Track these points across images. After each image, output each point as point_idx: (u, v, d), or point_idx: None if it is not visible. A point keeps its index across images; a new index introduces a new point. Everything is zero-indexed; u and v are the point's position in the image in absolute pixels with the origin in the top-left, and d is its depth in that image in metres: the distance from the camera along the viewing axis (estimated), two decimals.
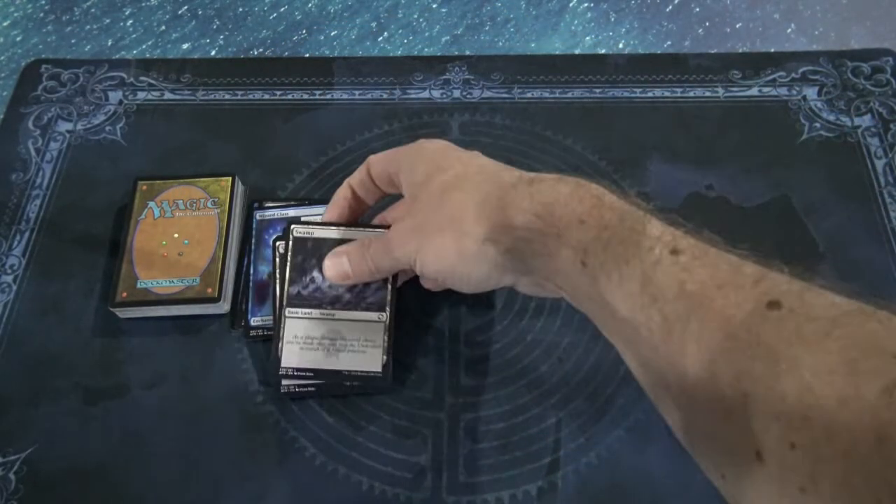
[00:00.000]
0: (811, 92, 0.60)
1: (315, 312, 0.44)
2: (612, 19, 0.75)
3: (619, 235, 0.32)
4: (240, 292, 0.51)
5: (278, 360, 0.44)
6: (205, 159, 0.58)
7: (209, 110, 0.60)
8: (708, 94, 0.60)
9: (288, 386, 0.45)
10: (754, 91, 0.60)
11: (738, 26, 0.75)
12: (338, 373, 0.43)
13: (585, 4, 0.77)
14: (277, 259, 0.45)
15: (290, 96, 0.61)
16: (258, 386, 0.48)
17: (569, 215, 0.34)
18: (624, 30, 0.74)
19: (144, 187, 0.53)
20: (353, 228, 0.45)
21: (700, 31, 0.74)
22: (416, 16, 0.75)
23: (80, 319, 0.50)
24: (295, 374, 0.44)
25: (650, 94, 0.60)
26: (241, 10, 0.77)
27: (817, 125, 0.58)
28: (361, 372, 0.43)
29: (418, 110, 0.60)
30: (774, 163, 0.56)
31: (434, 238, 0.39)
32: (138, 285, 0.49)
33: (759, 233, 0.53)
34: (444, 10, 0.76)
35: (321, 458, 0.45)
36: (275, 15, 0.76)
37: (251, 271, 0.51)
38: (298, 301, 0.44)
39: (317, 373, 0.44)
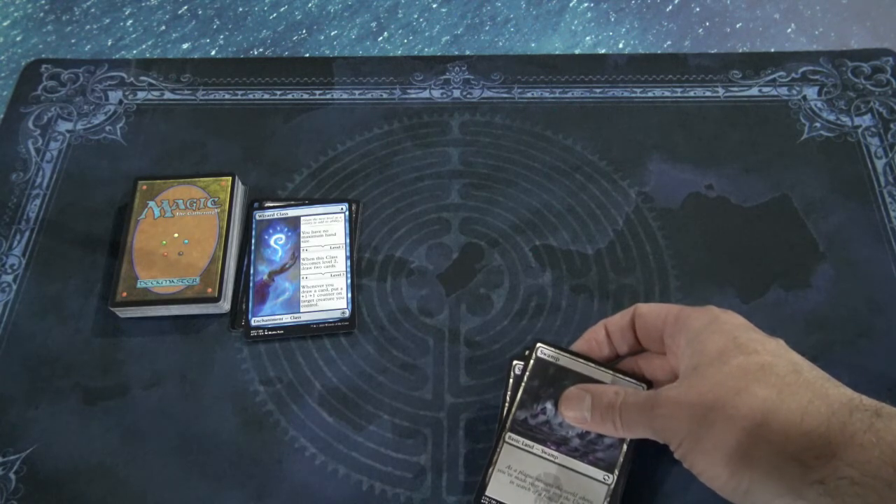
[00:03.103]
0: (811, 92, 0.60)
1: (537, 448, 0.39)
2: (612, 19, 0.75)
3: None
4: (240, 292, 0.51)
5: (484, 486, 0.39)
6: (205, 159, 0.58)
7: (209, 110, 0.60)
8: (708, 94, 0.60)
9: None
10: (754, 91, 0.60)
11: (738, 26, 0.75)
12: None
13: (585, 4, 0.77)
14: (512, 380, 0.41)
15: (290, 96, 0.61)
16: (258, 386, 0.48)
17: None
18: (624, 30, 0.74)
19: (144, 187, 0.53)
20: (605, 369, 0.40)
21: (700, 31, 0.74)
22: (416, 16, 0.75)
23: (80, 319, 0.50)
24: None
25: (650, 94, 0.60)
26: (241, 10, 0.77)
27: (817, 125, 0.58)
28: None
29: (418, 110, 0.60)
30: (774, 163, 0.56)
31: (720, 429, 0.32)
32: (138, 285, 0.49)
33: (759, 233, 0.53)
34: (444, 10, 0.76)
35: (321, 458, 0.45)
36: (275, 15, 0.76)
37: (251, 271, 0.51)
38: (523, 429, 0.40)
39: None
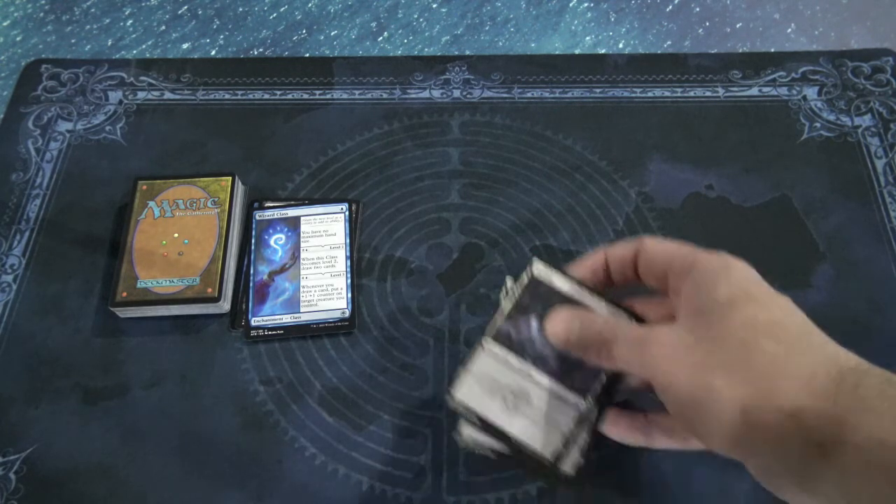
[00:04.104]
0: (811, 92, 0.60)
1: (514, 360, 0.39)
2: (612, 19, 0.75)
3: None
4: (240, 292, 0.51)
5: (454, 387, 0.39)
6: (205, 159, 0.58)
7: (209, 110, 0.60)
8: (708, 94, 0.60)
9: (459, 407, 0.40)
10: (754, 91, 0.60)
11: (738, 26, 0.75)
12: (504, 434, 0.38)
13: (585, 4, 0.77)
14: (505, 291, 0.40)
15: (290, 96, 0.61)
16: (258, 386, 0.48)
17: None
18: (624, 30, 0.74)
19: (144, 187, 0.53)
20: (599, 297, 0.39)
21: (700, 31, 0.74)
22: (416, 16, 0.75)
23: (80, 319, 0.50)
24: (462, 409, 0.39)
25: (650, 94, 0.60)
26: (241, 10, 0.77)
27: (817, 125, 0.58)
28: (529, 448, 0.37)
29: (418, 110, 0.60)
30: (774, 163, 0.56)
31: (718, 379, 0.30)
32: (138, 285, 0.49)
33: (759, 233, 0.53)
34: (444, 10, 0.76)
35: (321, 458, 0.45)
36: (275, 15, 0.76)
37: (251, 271, 0.51)
38: (504, 340, 0.39)
39: (483, 423, 0.38)
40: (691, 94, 0.60)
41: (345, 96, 0.61)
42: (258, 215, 0.54)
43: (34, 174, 0.57)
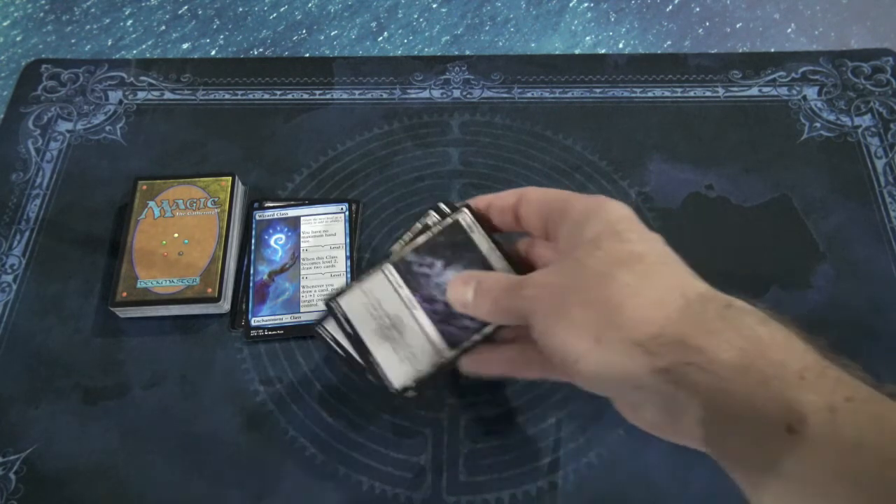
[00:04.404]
0: (811, 92, 0.60)
1: (405, 291, 0.39)
2: (612, 19, 0.75)
3: (864, 413, 0.26)
4: (240, 292, 0.51)
5: (336, 292, 0.40)
6: (205, 159, 0.58)
7: (209, 110, 0.60)
8: (708, 94, 0.60)
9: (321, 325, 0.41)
10: (754, 91, 0.60)
11: (738, 26, 0.75)
12: (367, 351, 0.39)
13: (585, 4, 0.77)
14: (420, 224, 0.40)
15: (290, 96, 0.61)
16: (258, 386, 0.48)
17: (784, 363, 0.27)
18: (624, 30, 0.74)
19: (144, 187, 0.53)
20: (503, 258, 0.40)
21: (700, 31, 0.74)
22: (416, 16, 0.75)
23: (80, 319, 0.50)
24: (340, 317, 0.39)
25: (650, 94, 0.60)
26: (241, 10, 0.77)
27: (817, 125, 0.58)
28: (382, 373, 0.39)
29: (418, 110, 0.60)
30: (774, 163, 0.56)
31: (575, 311, 0.31)
32: (138, 285, 0.49)
33: (759, 233, 0.53)
34: (444, 10, 0.76)
35: (321, 458, 0.45)
36: (275, 15, 0.76)
37: (251, 271, 0.51)
38: (403, 270, 0.39)
39: (353, 339, 0.39)
40: (691, 94, 0.60)
41: (345, 96, 0.61)
42: (258, 215, 0.54)
43: (34, 174, 0.57)
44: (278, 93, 0.61)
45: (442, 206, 0.41)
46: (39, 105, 0.61)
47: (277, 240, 0.53)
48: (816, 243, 0.53)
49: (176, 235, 0.51)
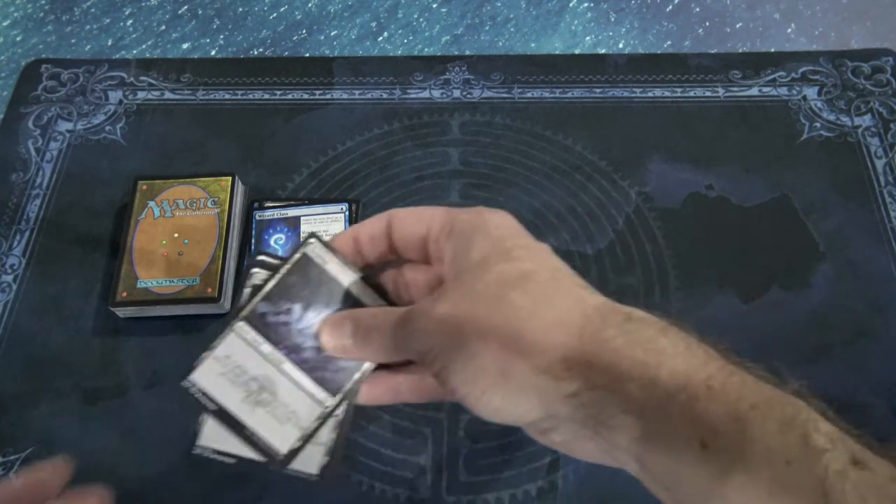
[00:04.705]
0: (811, 92, 0.60)
1: (266, 347, 0.35)
2: (612, 19, 0.75)
3: (771, 418, 0.25)
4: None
5: (192, 369, 0.35)
6: (205, 159, 0.58)
7: (209, 110, 0.60)
8: (708, 94, 0.60)
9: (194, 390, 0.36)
10: (754, 91, 0.60)
11: (738, 26, 0.75)
12: (240, 424, 0.35)
13: (585, 4, 0.77)
14: (248, 287, 0.36)
15: (290, 96, 0.61)
16: None
17: (688, 374, 0.26)
18: (624, 30, 0.74)
19: (144, 187, 0.53)
20: (372, 290, 0.36)
21: (700, 31, 0.74)
22: (416, 16, 0.75)
23: (80, 319, 0.50)
24: (199, 395, 0.35)
25: (650, 94, 0.60)
26: (241, 10, 0.77)
27: (817, 125, 0.58)
28: (263, 443, 0.35)
29: (418, 110, 0.60)
30: (774, 163, 0.56)
31: (474, 344, 0.29)
32: (138, 285, 0.49)
33: (759, 233, 0.53)
34: (444, 10, 0.76)
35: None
36: (275, 15, 0.76)
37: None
38: (258, 324, 0.35)
39: (220, 412, 0.35)
40: (691, 94, 0.60)
41: (345, 96, 0.61)
42: (258, 215, 0.54)
43: (34, 174, 0.57)
44: (278, 93, 0.61)
45: (265, 257, 0.36)
46: (39, 105, 0.61)
47: (277, 240, 0.53)
48: (816, 243, 0.53)
49: (176, 235, 0.51)
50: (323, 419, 0.35)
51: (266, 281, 0.35)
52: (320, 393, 0.35)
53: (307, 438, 0.35)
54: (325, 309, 0.35)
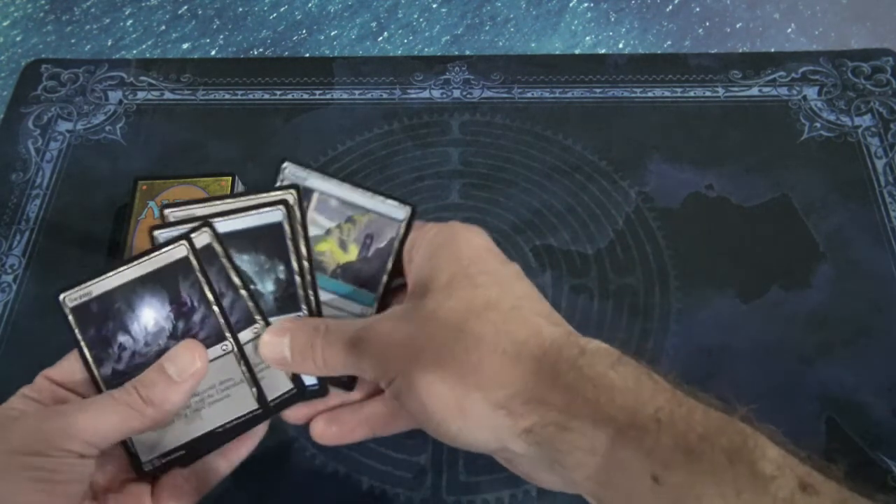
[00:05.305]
0: (811, 92, 0.60)
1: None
2: (612, 19, 0.75)
3: (719, 448, 0.25)
4: None
5: (135, 456, 0.34)
6: (205, 159, 0.58)
7: (209, 110, 0.60)
8: (708, 94, 0.60)
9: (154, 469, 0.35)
10: (754, 91, 0.60)
11: (738, 26, 0.75)
12: (211, 434, 0.35)
13: (585, 4, 0.77)
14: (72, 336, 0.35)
15: (290, 96, 0.61)
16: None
17: (637, 408, 0.26)
18: (624, 30, 0.74)
19: (144, 187, 0.53)
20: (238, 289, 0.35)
21: (700, 31, 0.74)
22: (416, 16, 0.75)
23: None
24: (163, 461, 0.34)
25: (650, 94, 0.60)
26: (241, 10, 0.77)
27: (817, 125, 0.58)
28: (236, 418, 0.35)
29: (418, 110, 0.60)
30: (774, 163, 0.56)
31: (433, 371, 0.29)
32: None
33: (759, 233, 0.53)
34: (444, 10, 0.76)
35: (321, 458, 0.45)
36: (275, 15, 0.76)
37: None
38: (122, 381, 0.33)
39: (188, 448, 0.34)
40: (691, 94, 0.60)
41: (345, 96, 0.61)
42: None
43: (34, 174, 0.57)
44: (278, 93, 0.61)
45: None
46: (39, 105, 0.61)
47: None
48: (816, 243, 0.53)
49: None
50: (244, 358, 0.35)
51: (81, 352, 0.34)
52: (216, 349, 0.34)
53: (253, 380, 0.35)
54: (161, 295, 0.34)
